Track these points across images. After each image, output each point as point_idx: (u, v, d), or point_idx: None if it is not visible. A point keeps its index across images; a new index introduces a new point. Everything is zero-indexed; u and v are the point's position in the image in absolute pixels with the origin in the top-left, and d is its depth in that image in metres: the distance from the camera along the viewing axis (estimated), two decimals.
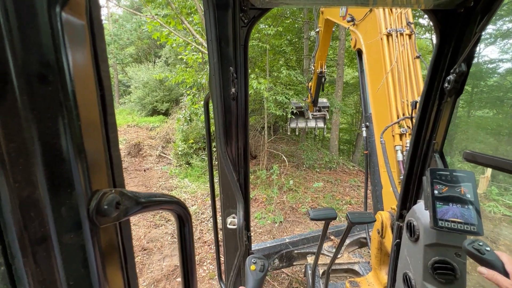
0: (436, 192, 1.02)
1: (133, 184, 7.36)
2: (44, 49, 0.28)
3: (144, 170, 8.41)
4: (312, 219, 1.40)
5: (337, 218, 1.63)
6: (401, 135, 1.81)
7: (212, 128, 1.35)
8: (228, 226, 1.24)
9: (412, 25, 2.10)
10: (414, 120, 1.90)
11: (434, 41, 1.18)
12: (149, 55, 21.62)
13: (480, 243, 0.83)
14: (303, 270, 3.42)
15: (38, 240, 0.29)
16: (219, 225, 1.37)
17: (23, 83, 0.27)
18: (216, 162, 1.20)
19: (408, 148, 1.80)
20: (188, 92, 7.87)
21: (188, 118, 7.74)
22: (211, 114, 1.16)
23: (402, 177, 1.73)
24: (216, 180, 1.29)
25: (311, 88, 5.93)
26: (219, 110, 1.05)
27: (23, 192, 0.28)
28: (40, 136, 0.28)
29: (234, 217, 1.24)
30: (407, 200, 1.38)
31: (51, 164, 0.30)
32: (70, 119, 0.30)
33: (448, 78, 1.09)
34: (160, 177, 7.95)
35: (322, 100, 7.10)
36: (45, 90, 0.28)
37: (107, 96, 0.36)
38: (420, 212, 1.14)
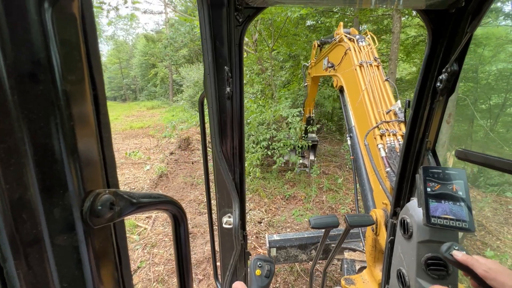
0: (429, 189, 1.02)
1: (182, 174, 8.07)
2: (34, 48, 0.27)
3: (192, 163, 9.13)
4: (313, 228, 1.38)
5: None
6: (381, 136, 2.13)
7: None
8: (224, 225, 1.23)
9: (379, 59, 2.76)
10: (390, 124, 2.15)
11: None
12: (200, 56, 22.98)
13: (456, 247, 0.82)
14: (339, 264, 3.38)
15: (30, 242, 0.29)
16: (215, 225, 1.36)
17: (14, 82, 0.26)
18: (211, 162, 1.19)
19: (389, 145, 2.04)
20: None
21: None
22: (206, 114, 1.16)
23: (387, 169, 1.93)
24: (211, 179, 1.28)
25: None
26: (214, 110, 1.05)
27: (15, 194, 0.27)
28: (31, 136, 0.28)
29: (229, 217, 1.23)
30: (400, 198, 1.37)
31: (43, 165, 0.29)
32: (62, 118, 0.30)
33: (440, 77, 1.08)
34: None
35: (312, 135, 7.43)
36: (36, 90, 0.28)
37: (100, 96, 0.35)
38: (413, 210, 1.14)
